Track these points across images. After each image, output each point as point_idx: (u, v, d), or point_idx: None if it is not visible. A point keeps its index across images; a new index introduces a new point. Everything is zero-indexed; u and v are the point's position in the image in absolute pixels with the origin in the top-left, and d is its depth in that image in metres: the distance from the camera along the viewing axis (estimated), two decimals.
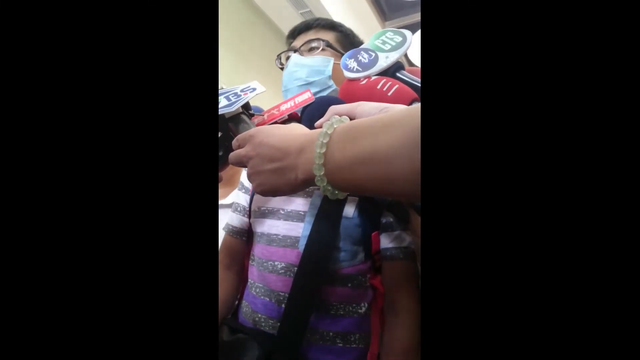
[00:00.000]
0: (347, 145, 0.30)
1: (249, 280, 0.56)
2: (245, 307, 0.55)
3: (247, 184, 0.63)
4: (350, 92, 0.53)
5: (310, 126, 0.48)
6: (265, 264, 0.53)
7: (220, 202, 0.94)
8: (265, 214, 0.56)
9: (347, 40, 0.67)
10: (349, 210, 0.51)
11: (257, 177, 0.36)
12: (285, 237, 0.52)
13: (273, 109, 0.55)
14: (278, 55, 0.69)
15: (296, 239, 0.51)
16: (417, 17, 2.50)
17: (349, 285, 0.50)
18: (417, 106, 0.26)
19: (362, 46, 0.57)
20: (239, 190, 0.64)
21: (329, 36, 0.65)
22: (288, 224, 0.53)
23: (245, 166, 0.39)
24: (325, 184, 0.31)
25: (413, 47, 0.54)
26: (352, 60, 0.55)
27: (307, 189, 0.52)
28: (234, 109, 0.48)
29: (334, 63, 0.61)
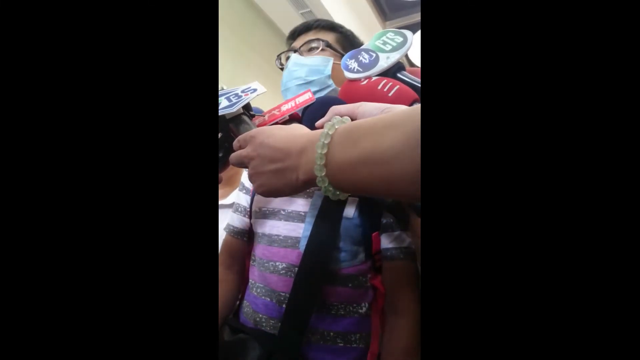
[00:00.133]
0: (348, 145, 0.30)
1: (250, 280, 0.56)
2: (247, 307, 0.55)
3: (248, 184, 0.63)
4: (351, 92, 0.53)
5: (311, 126, 0.48)
6: (266, 264, 0.53)
7: (220, 202, 0.94)
8: (266, 214, 0.56)
9: (347, 41, 0.67)
10: (350, 210, 0.51)
11: (258, 178, 0.36)
12: (286, 237, 0.52)
13: (274, 109, 0.55)
14: (278, 56, 0.69)
15: (297, 240, 0.51)
16: (417, 17, 2.50)
17: (350, 285, 0.50)
18: (418, 107, 0.26)
19: (362, 46, 0.57)
20: (240, 190, 0.64)
21: (329, 37, 0.65)
22: (289, 225, 0.53)
23: (246, 167, 0.39)
24: (326, 184, 0.31)
25: (413, 47, 0.54)
26: (353, 60, 0.54)
27: (308, 190, 0.52)
28: (234, 110, 0.48)
29: (334, 63, 0.62)
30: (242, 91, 0.51)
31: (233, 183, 1.01)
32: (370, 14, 2.49)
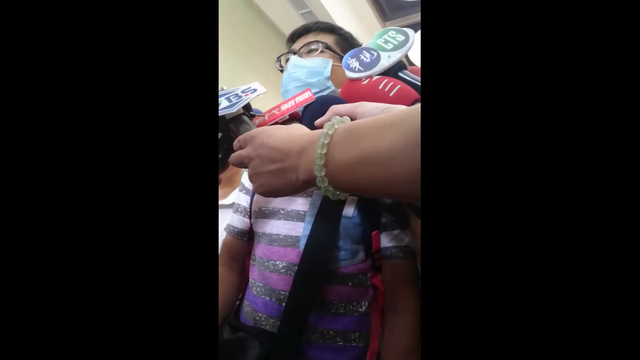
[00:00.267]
0: (348, 146, 0.29)
1: (250, 280, 0.57)
2: (247, 306, 0.55)
3: (248, 184, 0.63)
4: (352, 92, 0.53)
5: (312, 126, 0.48)
6: (266, 263, 0.53)
7: (220, 202, 0.94)
8: (265, 214, 0.56)
9: (346, 43, 0.67)
10: (349, 209, 0.51)
11: (259, 178, 0.36)
12: (286, 236, 0.52)
13: (274, 109, 0.55)
14: (278, 58, 0.69)
15: (297, 239, 0.51)
16: (417, 17, 2.50)
17: (350, 284, 0.50)
18: (418, 106, 0.26)
19: (364, 45, 0.57)
20: (240, 191, 0.65)
21: (328, 39, 0.66)
22: (289, 224, 0.53)
23: (246, 167, 0.39)
24: (326, 184, 0.31)
25: (414, 46, 0.54)
26: (354, 59, 0.54)
27: (308, 189, 0.52)
28: (234, 110, 0.48)
29: (333, 65, 0.62)
30: (242, 91, 0.51)
31: (233, 183, 1.01)
32: (370, 14, 2.49)
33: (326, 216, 0.50)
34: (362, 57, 0.54)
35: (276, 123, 0.53)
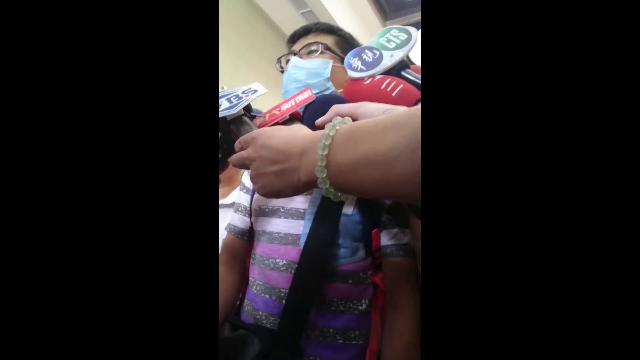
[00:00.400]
0: (349, 147, 0.29)
1: (250, 278, 0.57)
2: (247, 305, 0.56)
3: (248, 184, 0.64)
4: (354, 92, 0.52)
5: (312, 125, 0.48)
6: (266, 261, 0.53)
7: (220, 202, 0.94)
8: (266, 212, 0.57)
9: (346, 44, 0.68)
10: (349, 207, 0.52)
11: (260, 180, 0.36)
12: (287, 234, 0.53)
13: (274, 108, 0.55)
14: (278, 59, 0.70)
15: (297, 237, 0.52)
16: (417, 16, 2.50)
17: (350, 281, 0.51)
18: (419, 107, 0.26)
19: (366, 44, 0.56)
20: (240, 190, 0.65)
21: (328, 40, 0.66)
22: (289, 222, 0.54)
23: (247, 168, 0.39)
24: (327, 186, 0.31)
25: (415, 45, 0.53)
26: (356, 59, 0.54)
27: None
28: (235, 111, 0.48)
29: (333, 65, 0.62)
30: (243, 92, 0.51)
31: (233, 183, 1.01)
32: (370, 14, 2.49)
33: (326, 214, 0.50)
34: (364, 56, 0.54)
35: (277, 123, 0.53)
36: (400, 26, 0.56)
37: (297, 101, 0.54)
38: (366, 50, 0.54)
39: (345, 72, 0.55)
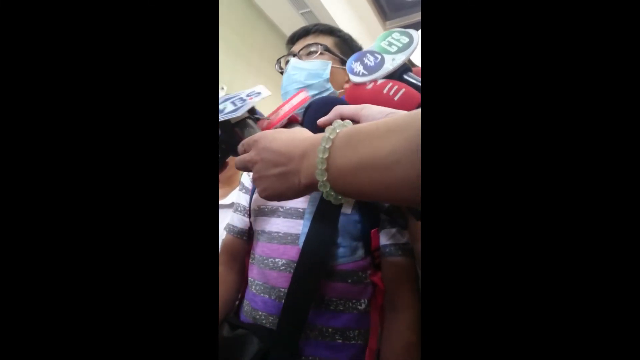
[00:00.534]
0: (349, 150, 0.29)
1: (249, 278, 0.57)
2: (246, 305, 0.56)
3: (248, 184, 0.64)
4: (356, 96, 0.52)
5: (313, 128, 0.48)
6: (265, 261, 0.53)
7: (219, 202, 0.94)
8: (265, 212, 0.57)
9: (346, 45, 0.68)
10: (348, 207, 0.52)
11: (262, 182, 0.36)
12: (286, 234, 0.53)
13: (272, 114, 0.55)
14: (278, 60, 0.70)
15: (296, 236, 0.52)
16: (417, 17, 2.50)
17: (349, 281, 0.51)
18: (420, 111, 0.26)
19: (368, 48, 0.56)
20: (240, 190, 0.65)
21: (327, 41, 0.66)
22: (288, 222, 0.54)
23: (250, 171, 0.39)
24: (327, 189, 0.31)
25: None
26: (358, 63, 0.54)
27: None
28: (239, 114, 0.48)
29: (332, 67, 0.63)
30: (247, 95, 0.51)
31: (232, 183, 1.01)
32: (370, 14, 2.49)
33: (325, 213, 0.50)
34: (366, 60, 0.53)
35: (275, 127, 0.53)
36: (402, 29, 0.56)
37: (294, 104, 0.54)
38: (368, 55, 0.54)
39: (345, 73, 0.55)
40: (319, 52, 0.64)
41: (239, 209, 0.63)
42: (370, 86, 0.51)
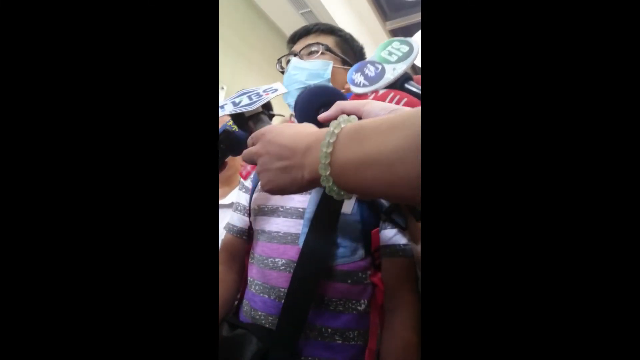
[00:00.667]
0: (353, 146, 0.29)
1: (249, 278, 0.57)
2: (246, 305, 0.56)
3: (247, 183, 0.64)
4: None
5: (304, 119, 0.48)
6: (265, 261, 0.53)
7: (219, 202, 0.94)
8: (265, 212, 0.56)
9: (347, 45, 0.68)
10: (348, 206, 0.51)
11: (266, 175, 0.36)
12: (286, 234, 0.53)
13: None
14: (279, 60, 0.70)
15: (296, 236, 0.52)
16: (417, 17, 2.50)
17: (349, 281, 0.50)
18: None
19: (368, 59, 0.56)
20: (240, 189, 0.65)
21: (328, 40, 0.66)
22: (288, 221, 0.53)
23: (256, 164, 0.39)
24: (330, 184, 0.31)
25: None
26: (359, 74, 0.54)
27: None
28: (253, 108, 0.49)
29: (333, 67, 0.63)
30: (264, 91, 0.52)
31: (231, 183, 1.01)
32: (370, 14, 2.49)
33: (325, 213, 0.50)
34: (366, 71, 0.53)
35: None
36: (402, 38, 0.55)
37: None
38: (368, 65, 0.54)
39: (346, 73, 0.55)
40: (320, 52, 0.64)
41: (239, 208, 0.63)
42: (372, 97, 0.51)
